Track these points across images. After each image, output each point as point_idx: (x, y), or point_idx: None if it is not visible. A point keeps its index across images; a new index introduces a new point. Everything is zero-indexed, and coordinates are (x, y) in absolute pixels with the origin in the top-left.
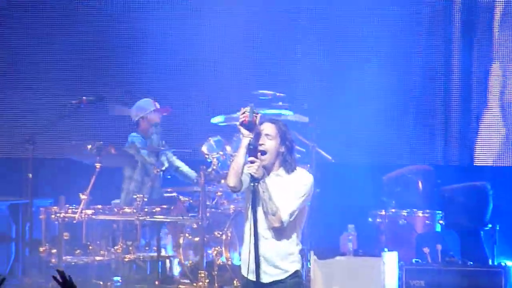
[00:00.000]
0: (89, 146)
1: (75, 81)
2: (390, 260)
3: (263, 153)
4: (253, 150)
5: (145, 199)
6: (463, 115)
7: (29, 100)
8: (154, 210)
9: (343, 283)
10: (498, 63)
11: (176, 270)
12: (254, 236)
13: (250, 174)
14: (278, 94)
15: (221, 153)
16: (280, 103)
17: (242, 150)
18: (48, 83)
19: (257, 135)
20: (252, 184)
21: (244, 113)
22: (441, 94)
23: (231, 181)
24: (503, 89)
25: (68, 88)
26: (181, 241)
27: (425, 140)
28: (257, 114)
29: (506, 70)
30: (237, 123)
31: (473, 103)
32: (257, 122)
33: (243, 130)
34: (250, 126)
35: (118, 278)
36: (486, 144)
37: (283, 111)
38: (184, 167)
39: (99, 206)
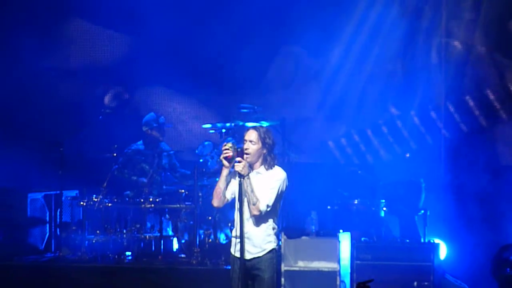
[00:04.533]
0: (114, 154)
1: (88, 94)
2: (344, 239)
3: (247, 154)
4: (241, 152)
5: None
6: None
7: (60, 107)
8: (157, 200)
9: (307, 258)
10: None
11: (175, 247)
12: (240, 222)
13: (238, 171)
14: (256, 107)
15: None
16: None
17: (223, 178)
18: (72, 95)
19: (244, 140)
20: (240, 180)
21: (227, 149)
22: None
23: (215, 202)
24: None
25: (85, 100)
26: (178, 224)
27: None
28: (237, 148)
29: None
30: (221, 157)
31: None
32: (236, 155)
33: (225, 162)
34: (231, 159)
35: (129, 253)
36: None
37: (262, 122)
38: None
39: (114, 197)
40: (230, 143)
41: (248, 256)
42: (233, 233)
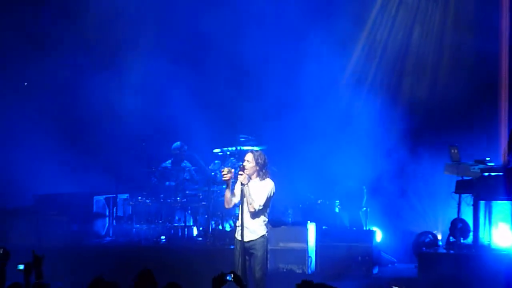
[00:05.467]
0: (153, 169)
1: (128, 127)
2: (311, 227)
3: (245, 169)
4: (242, 168)
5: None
6: None
7: (119, 138)
8: (183, 200)
9: (285, 240)
10: None
11: (195, 233)
12: (241, 215)
13: (240, 181)
14: (250, 136)
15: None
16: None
17: (228, 190)
18: (123, 127)
19: (243, 160)
20: (241, 187)
21: (225, 173)
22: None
23: (226, 205)
24: None
25: (127, 131)
26: (197, 217)
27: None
28: (232, 170)
29: None
30: (223, 179)
31: None
32: (232, 175)
33: (227, 182)
34: (230, 179)
35: (163, 237)
36: None
37: (254, 147)
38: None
39: (153, 198)
40: (226, 168)
41: (246, 239)
42: (237, 223)
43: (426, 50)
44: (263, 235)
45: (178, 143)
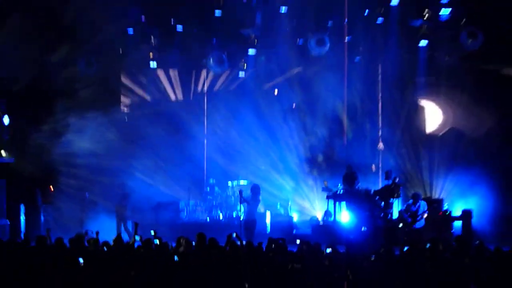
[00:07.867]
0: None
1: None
2: (268, 213)
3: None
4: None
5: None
6: None
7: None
8: (215, 203)
9: (258, 219)
10: None
11: (221, 217)
12: (241, 209)
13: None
14: (251, 181)
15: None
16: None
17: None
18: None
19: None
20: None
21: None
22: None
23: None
24: None
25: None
26: (221, 210)
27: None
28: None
29: None
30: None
31: None
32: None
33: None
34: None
35: (208, 218)
36: None
37: (245, 181)
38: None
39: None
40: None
41: (244, 218)
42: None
43: None
44: (254, 219)
45: (214, 180)
